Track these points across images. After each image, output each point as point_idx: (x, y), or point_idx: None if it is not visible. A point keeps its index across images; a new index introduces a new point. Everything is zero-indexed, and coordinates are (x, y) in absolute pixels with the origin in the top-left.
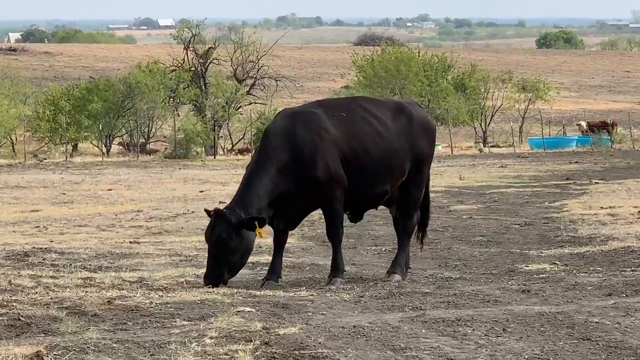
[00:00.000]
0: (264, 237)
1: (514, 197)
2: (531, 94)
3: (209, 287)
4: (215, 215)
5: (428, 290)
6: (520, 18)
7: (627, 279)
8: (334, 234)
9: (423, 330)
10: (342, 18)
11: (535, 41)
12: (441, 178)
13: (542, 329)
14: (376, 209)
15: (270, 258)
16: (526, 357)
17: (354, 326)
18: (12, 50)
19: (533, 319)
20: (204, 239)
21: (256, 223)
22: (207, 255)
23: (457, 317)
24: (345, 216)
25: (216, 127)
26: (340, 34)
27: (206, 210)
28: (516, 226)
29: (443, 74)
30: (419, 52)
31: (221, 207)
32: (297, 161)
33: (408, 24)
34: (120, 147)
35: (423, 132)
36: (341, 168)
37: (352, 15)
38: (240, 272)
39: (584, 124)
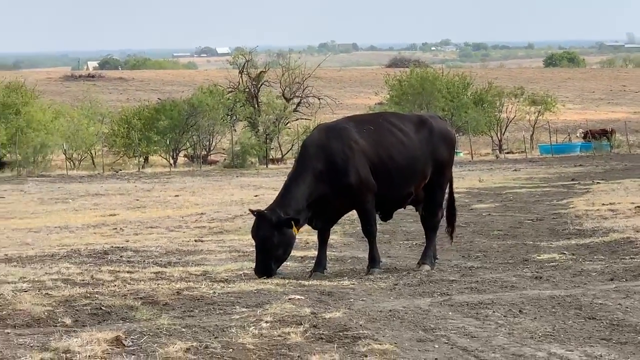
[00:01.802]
0: (298, 234)
1: (526, 196)
2: (540, 107)
3: (261, 278)
4: (258, 216)
5: (454, 278)
6: (529, 41)
7: (627, 265)
8: (369, 231)
9: (450, 313)
10: (375, 44)
11: (542, 61)
12: (463, 181)
13: (553, 310)
14: (404, 208)
15: (316, 253)
16: (540, 334)
17: (390, 310)
18: (90, 76)
19: (545, 302)
20: None
21: (292, 222)
22: (255, 251)
23: (479, 301)
24: (377, 216)
25: (268, 140)
26: (373, 58)
27: (251, 210)
28: (529, 221)
29: (463, 90)
30: (442, 72)
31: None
32: (332, 169)
33: (432, 48)
34: (185, 158)
35: (443, 141)
36: (370, 174)
37: (384, 41)
38: (290, 265)
39: (580, 131)
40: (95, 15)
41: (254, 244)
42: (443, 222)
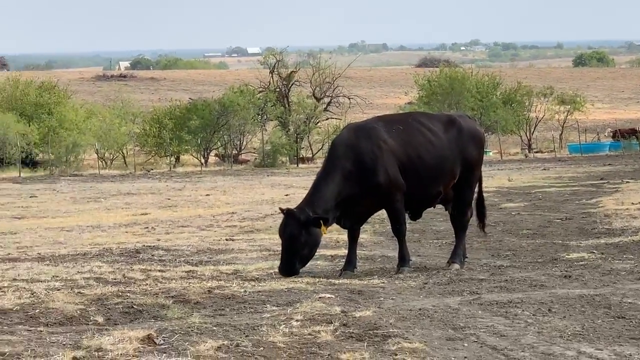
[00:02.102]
0: (326, 234)
1: (555, 195)
2: (569, 106)
3: (286, 277)
4: (287, 214)
5: (483, 277)
6: (558, 41)
7: None
8: (398, 230)
9: (479, 312)
10: (405, 44)
11: (572, 61)
12: (492, 180)
13: (582, 309)
14: (434, 207)
15: (346, 252)
16: (569, 333)
17: (420, 309)
18: (122, 76)
19: (574, 301)
20: None
21: (321, 221)
22: (281, 248)
23: (508, 300)
24: (406, 215)
25: (298, 140)
26: (403, 58)
27: (281, 209)
28: (558, 220)
29: (492, 90)
30: (471, 72)
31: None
32: (360, 169)
33: (462, 48)
34: (216, 158)
35: (472, 141)
36: (399, 174)
37: (413, 41)
38: (321, 263)
39: (609, 130)
40: (127, 15)
41: (281, 241)
42: (473, 221)
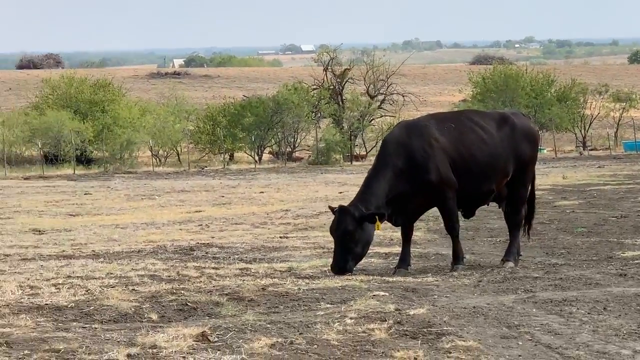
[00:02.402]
0: (381, 230)
1: (610, 193)
2: (625, 104)
3: (338, 275)
4: (341, 211)
5: (537, 275)
6: (614, 38)
7: None
8: (451, 228)
9: (534, 310)
10: (459, 41)
11: (627, 58)
12: (547, 178)
13: (638, 307)
14: (488, 205)
15: (400, 249)
16: (624, 332)
17: (474, 307)
18: (176, 74)
19: (630, 299)
20: None
21: (376, 217)
22: (334, 246)
23: (563, 298)
24: (459, 213)
25: (352, 137)
26: (457, 55)
27: (330, 207)
28: (613, 218)
29: (547, 87)
30: (526, 70)
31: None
32: (412, 166)
33: (516, 45)
34: (270, 155)
35: (525, 138)
36: (451, 172)
37: (468, 38)
38: (375, 261)
39: None
40: (182, 13)
41: (333, 238)
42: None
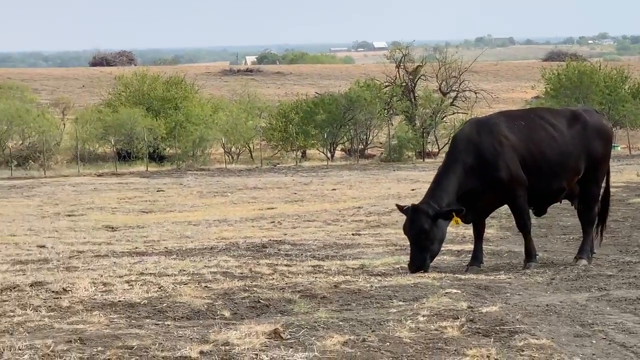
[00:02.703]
0: (459, 225)
1: None
2: None
3: (417, 273)
4: (415, 210)
5: (611, 273)
6: None
7: None
8: (522, 226)
9: (607, 308)
10: (532, 38)
11: None
12: (621, 175)
13: None
14: (560, 202)
15: (472, 247)
16: None
17: (547, 305)
18: (249, 71)
19: None
20: None
21: (453, 213)
22: (410, 245)
23: (637, 297)
24: (530, 211)
25: (424, 134)
26: (530, 52)
27: (398, 206)
28: None
29: (621, 84)
30: (599, 66)
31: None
32: (481, 164)
33: (589, 42)
34: (343, 152)
35: (597, 136)
36: (521, 169)
37: (540, 35)
38: (447, 259)
39: None
40: (254, 10)
41: (408, 238)
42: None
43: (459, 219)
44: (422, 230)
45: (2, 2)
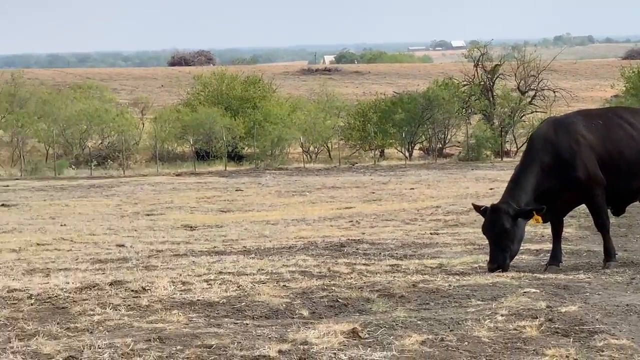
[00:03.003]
0: (538, 224)
1: None
2: None
3: (495, 272)
4: (494, 210)
5: None
6: None
7: None
8: (601, 225)
9: None
10: (611, 36)
11: None
12: None
13: None
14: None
15: (551, 246)
16: None
17: (627, 305)
18: (327, 70)
19: None
20: None
21: (534, 212)
22: (489, 244)
23: None
24: (608, 210)
25: (503, 133)
26: (609, 50)
27: (474, 206)
28: None
29: None
30: None
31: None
32: (559, 163)
33: None
34: (421, 151)
35: None
36: (598, 169)
37: (620, 33)
38: (526, 258)
39: None
40: (332, 10)
41: (488, 238)
42: None
43: (539, 218)
44: (502, 229)
45: (83, 4)
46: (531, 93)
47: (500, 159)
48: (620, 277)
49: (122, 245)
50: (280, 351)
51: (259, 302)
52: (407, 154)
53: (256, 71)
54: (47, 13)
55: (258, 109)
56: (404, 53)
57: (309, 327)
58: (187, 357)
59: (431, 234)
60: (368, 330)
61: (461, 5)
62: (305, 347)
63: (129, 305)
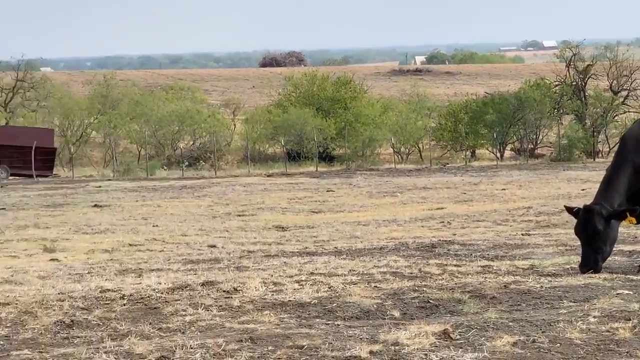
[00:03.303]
0: (631, 225)
1: None
2: None
3: (589, 273)
4: (587, 211)
5: None
6: None
7: None
8: None
9: None
10: None
11: None
12: None
13: None
14: None
15: None
16: None
17: None
18: (418, 71)
19: None
20: None
21: (627, 213)
22: (582, 246)
23: None
24: None
25: (595, 134)
26: None
27: (566, 207)
28: None
29: None
30: None
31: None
32: None
33: None
34: (512, 152)
35: None
36: None
37: None
38: (618, 259)
39: None
40: (423, 10)
41: (580, 239)
42: None
43: (632, 219)
44: (595, 231)
45: (175, 5)
46: (624, 93)
47: (592, 160)
48: None
49: (214, 246)
50: (371, 352)
51: (350, 302)
52: (498, 155)
53: (347, 72)
54: (139, 14)
55: (349, 109)
56: (495, 53)
57: (400, 328)
58: (279, 358)
59: (522, 235)
60: (459, 332)
61: (553, 5)
62: (397, 347)
63: (221, 305)
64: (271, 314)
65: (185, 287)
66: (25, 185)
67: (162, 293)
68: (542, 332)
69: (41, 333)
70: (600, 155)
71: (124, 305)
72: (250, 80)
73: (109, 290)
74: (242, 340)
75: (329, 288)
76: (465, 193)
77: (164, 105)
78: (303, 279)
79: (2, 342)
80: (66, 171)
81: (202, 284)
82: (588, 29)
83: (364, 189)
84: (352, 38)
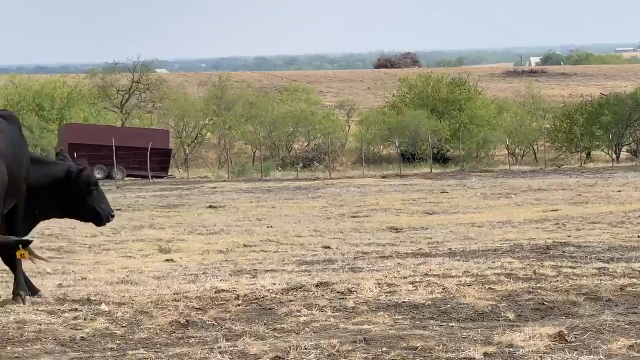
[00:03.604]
0: None
1: None
2: None
3: None
4: None
5: None
6: None
7: None
8: None
9: None
10: None
11: None
12: None
13: None
14: None
15: None
16: None
17: None
18: (532, 72)
19: None
20: None
21: None
22: None
23: None
24: None
25: None
26: None
27: None
28: None
29: None
30: None
31: None
32: None
33: None
34: (628, 153)
35: None
36: None
37: None
38: None
39: None
40: (539, 11)
41: None
42: None
43: None
44: None
45: (292, 6)
46: None
47: None
48: None
49: (328, 247)
50: (485, 354)
51: (464, 304)
52: (614, 156)
53: (461, 73)
54: (255, 15)
55: (463, 110)
56: (611, 54)
57: (515, 330)
58: (393, 359)
59: (638, 237)
60: (574, 334)
61: None
62: (511, 349)
63: (335, 306)
64: (385, 315)
65: (300, 288)
66: (140, 186)
67: (276, 294)
68: None
69: (156, 333)
70: None
71: (239, 305)
72: (365, 82)
73: (223, 290)
74: (356, 342)
75: (443, 289)
76: (580, 195)
77: (278, 107)
78: (417, 280)
79: (118, 342)
80: (181, 172)
81: (317, 285)
82: None
83: (478, 191)
84: (466, 39)
